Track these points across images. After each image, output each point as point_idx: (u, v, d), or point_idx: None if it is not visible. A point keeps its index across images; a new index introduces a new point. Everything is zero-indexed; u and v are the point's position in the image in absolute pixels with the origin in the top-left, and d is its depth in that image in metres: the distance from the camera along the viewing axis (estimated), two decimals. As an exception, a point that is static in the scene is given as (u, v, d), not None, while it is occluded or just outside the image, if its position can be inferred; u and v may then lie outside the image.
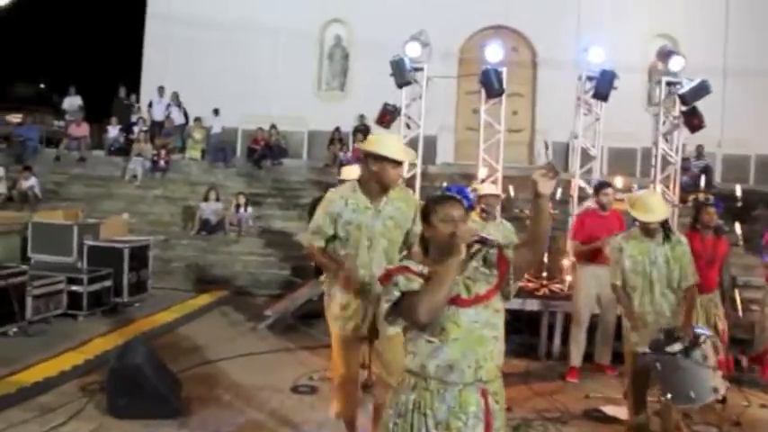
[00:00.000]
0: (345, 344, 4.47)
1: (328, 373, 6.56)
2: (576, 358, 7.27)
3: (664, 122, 10.16)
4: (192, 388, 6.11)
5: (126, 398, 5.42)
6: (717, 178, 15.04)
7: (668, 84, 9.99)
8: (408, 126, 10.25)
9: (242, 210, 13.51)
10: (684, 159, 12.43)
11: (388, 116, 9.98)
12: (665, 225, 5.26)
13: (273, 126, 16.84)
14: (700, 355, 4.72)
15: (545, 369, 7.47)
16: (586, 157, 10.50)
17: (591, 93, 9.97)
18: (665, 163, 10.19)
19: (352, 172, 6.71)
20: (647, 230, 5.18)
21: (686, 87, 9.61)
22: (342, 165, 16.24)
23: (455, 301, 2.90)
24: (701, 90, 9.50)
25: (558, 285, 8.50)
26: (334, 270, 4.39)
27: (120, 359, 5.59)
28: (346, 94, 18.11)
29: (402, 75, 9.74)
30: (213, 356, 7.40)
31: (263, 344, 8.15)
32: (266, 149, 16.47)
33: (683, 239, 5.29)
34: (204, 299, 10.54)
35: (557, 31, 15.70)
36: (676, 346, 4.79)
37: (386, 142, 4.29)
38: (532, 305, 7.89)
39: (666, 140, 10.21)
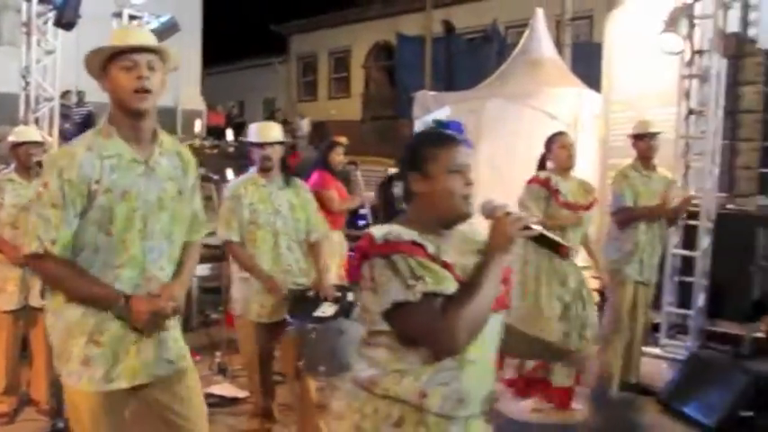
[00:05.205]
0: None
1: None
2: None
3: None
4: None
5: None
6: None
7: (131, 17, 9.03)
8: None
9: None
10: (66, 106, 11.50)
11: None
12: (285, 165, 4.45)
13: None
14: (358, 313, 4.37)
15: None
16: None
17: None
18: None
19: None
20: (265, 168, 4.31)
21: (155, 24, 8.85)
22: None
23: None
24: (171, 28, 8.89)
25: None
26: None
27: None
28: None
29: None
30: None
31: None
32: None
33: (305, 185, 4.62)
34: None
35: None
36: (328, 309, 4.24)
37: (117, 34, 2.66)
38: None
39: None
